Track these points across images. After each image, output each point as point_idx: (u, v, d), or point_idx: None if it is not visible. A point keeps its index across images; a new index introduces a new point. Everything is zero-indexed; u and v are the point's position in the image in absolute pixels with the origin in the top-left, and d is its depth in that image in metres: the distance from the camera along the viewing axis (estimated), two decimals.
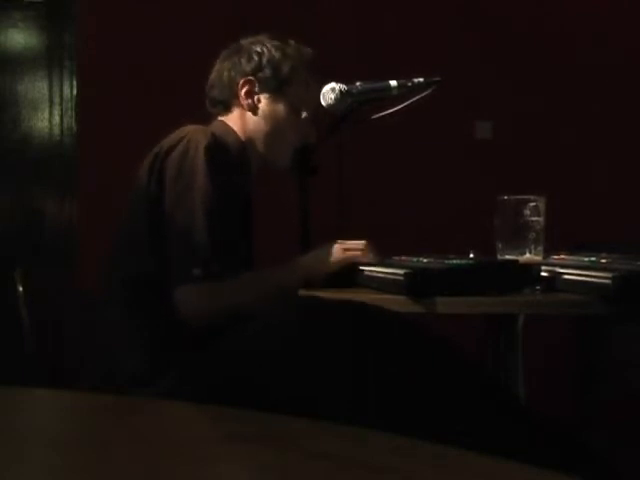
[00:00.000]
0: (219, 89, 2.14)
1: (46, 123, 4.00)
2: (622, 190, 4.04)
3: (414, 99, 2.19)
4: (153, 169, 1.92)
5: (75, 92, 3.98)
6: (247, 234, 2.12)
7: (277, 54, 2.11)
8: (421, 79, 2.18)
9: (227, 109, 2.13)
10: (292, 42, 2.15)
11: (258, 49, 2.11)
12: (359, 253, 1.99)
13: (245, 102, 2.11)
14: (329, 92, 2.16)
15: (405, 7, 4.07)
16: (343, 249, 1.99)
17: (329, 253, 2.00)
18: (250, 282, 1.95)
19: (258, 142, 2.11)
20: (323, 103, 2.17)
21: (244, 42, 2.15)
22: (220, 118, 2.14)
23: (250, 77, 2.10)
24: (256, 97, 2.11)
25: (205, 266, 1.84)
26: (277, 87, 2.10)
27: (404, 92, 2.19)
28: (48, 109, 4.00)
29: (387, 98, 2.21)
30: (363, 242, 2.02)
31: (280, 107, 2.11)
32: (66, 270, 3.65)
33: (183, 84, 3.71)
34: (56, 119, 3.99)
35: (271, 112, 2.11)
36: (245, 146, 2.11)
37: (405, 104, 2.19)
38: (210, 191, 1.87)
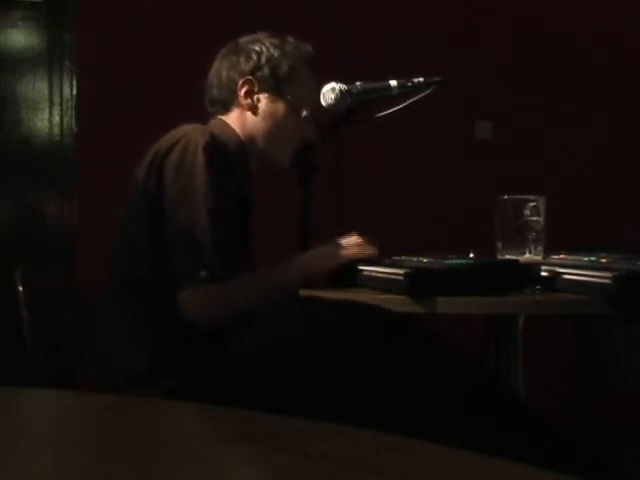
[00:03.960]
0: (218, 89, 2.13)
1: (46, 123, 3.99)
2: (622, 190, 4.04)
3: (414, 99, 2.19)
4: (151, 169, 1.91)
5: (75, 92, 3.98)
6: (246, 234, 2.12)
7: (276, 52, 2.10)
8: (421, 79, 2.18)
9: (226, 109, 2.13)
10: (291, 39, 2.14)
11: (257, 48, 2.11)
12: (359, 249, 2.00)
13: (245, 102, 2.10)
14: (329, 92, 2.16)
15: (405, 7, 4.06)
16: (346, 246, 2.00)
17: (330, 251, 2.01)
18: (253, 282, 1.95)
19: (258, 141, 2.11)
20: (323, 103, 2.17)
21: (242, 41, 2.14)
22: (219, 117, 2.14)
23: (249, 77, 2.10)
24: (255, 97, 2.11)
25: (209, 268, 1.84)
26: (276, 86, 2.10)
27: (404, 92, 2.19)
28: (48, 109, 3.99)
29: (387, 98, 2.21)
30: (359, 238, 2.03)
31: (280, 106, 2.11)
32: (66, 270, 3.64)
33: (183, 84, 3.71)
34: (56, 119, 3.99)
35: (271, 111, 2.11)
36: (244, 145, 2.10)
37: (405, 104, 2.19)
38: (210, 191, 1.87)
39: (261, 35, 2.14)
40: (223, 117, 2.13)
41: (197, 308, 1.84)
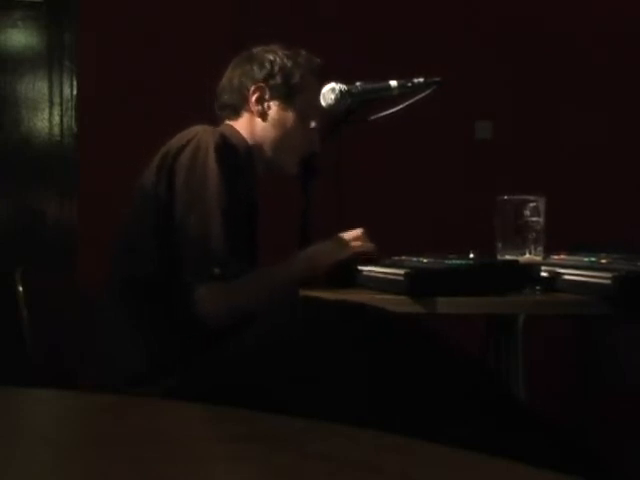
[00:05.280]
0: (229, 94, 2.15)
1: (46, 123, 3.99)
2: (622, 190, 4.04)
3: (414, 99, 2.19)
4: (161, 170, 1.92)
5: (75, 92, 3.98)
6: (253, 236, 2.13)
7: (289, 62, 2.13)
8: (421, 79, 2.18)
9: (236, 114, 2.14)
10: (303, 52, 2.16)
11: (270, 57, 2.13)
12: (360, 243, 2.02)
13: (255, 108, 2.12)
14: (329, 92, 2.17)
15: (405, 7, 4.07)
16: (347, 241, 2.02)
17: (329, 248, 2.02)
18: (257, 280, 1.95)
19: (265, 148, 2.13)
20: (323, 103, 2.17)
21: (256, 50, 2.17)
22: (227, 122, 2.15)
23: (261, 84, 2.12)
24: (266, 104, 2.12)
25: (224, 265, 1.85)
26: (287, 95, 2.12)
27: (404, 92, 2.19)
28: (48, 109, 3.99)
29: (387, 98, 2.21)
30: (359, 231, 2.04)
31: (289, 115, 2.13)
32: (66, 270, 3.65)
33: (183, 84, 3.72)
34: (56, 119, 3.99)
35: (280, 119, 2.12)
36: (251, 150, 2.11)
37: (405, 104, 2.19)
38: (223, 191, 1.88)
39: (275, 45, 2.17)
40: (232, 122, 2.15)
41: (211, 306, 1.85)
